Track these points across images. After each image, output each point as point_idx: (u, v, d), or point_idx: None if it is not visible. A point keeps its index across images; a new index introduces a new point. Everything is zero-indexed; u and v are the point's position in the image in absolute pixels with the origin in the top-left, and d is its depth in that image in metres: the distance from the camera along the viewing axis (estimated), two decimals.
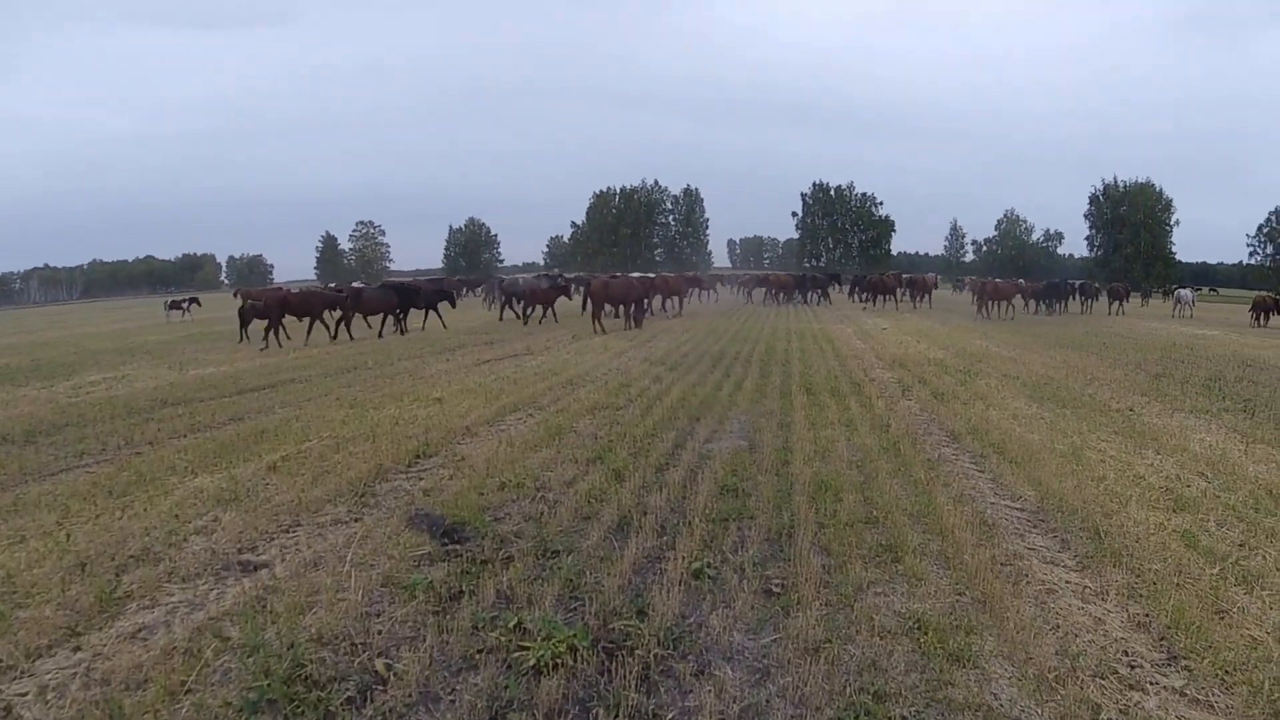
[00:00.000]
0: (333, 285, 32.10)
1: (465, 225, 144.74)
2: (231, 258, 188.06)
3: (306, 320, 22.97)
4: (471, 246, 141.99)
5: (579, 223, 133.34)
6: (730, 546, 5.69)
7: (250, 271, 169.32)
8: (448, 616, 4.52)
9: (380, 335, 23.08)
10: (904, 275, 51.96)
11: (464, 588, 4.87)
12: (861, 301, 47.43)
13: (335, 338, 22.62)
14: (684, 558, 5.32)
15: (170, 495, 6.90)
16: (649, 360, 16.09)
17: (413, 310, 26.50)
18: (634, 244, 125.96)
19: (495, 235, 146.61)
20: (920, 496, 6.97)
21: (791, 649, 4.24)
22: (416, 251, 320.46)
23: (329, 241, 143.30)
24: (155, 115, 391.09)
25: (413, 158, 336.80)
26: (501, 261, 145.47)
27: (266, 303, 22.53)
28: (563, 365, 15.24)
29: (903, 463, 8.14)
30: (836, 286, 56.91)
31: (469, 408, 10.71)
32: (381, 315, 24.79)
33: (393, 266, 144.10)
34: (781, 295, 48.53)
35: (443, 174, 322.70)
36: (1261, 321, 37.96)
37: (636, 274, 44.89)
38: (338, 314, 23.50)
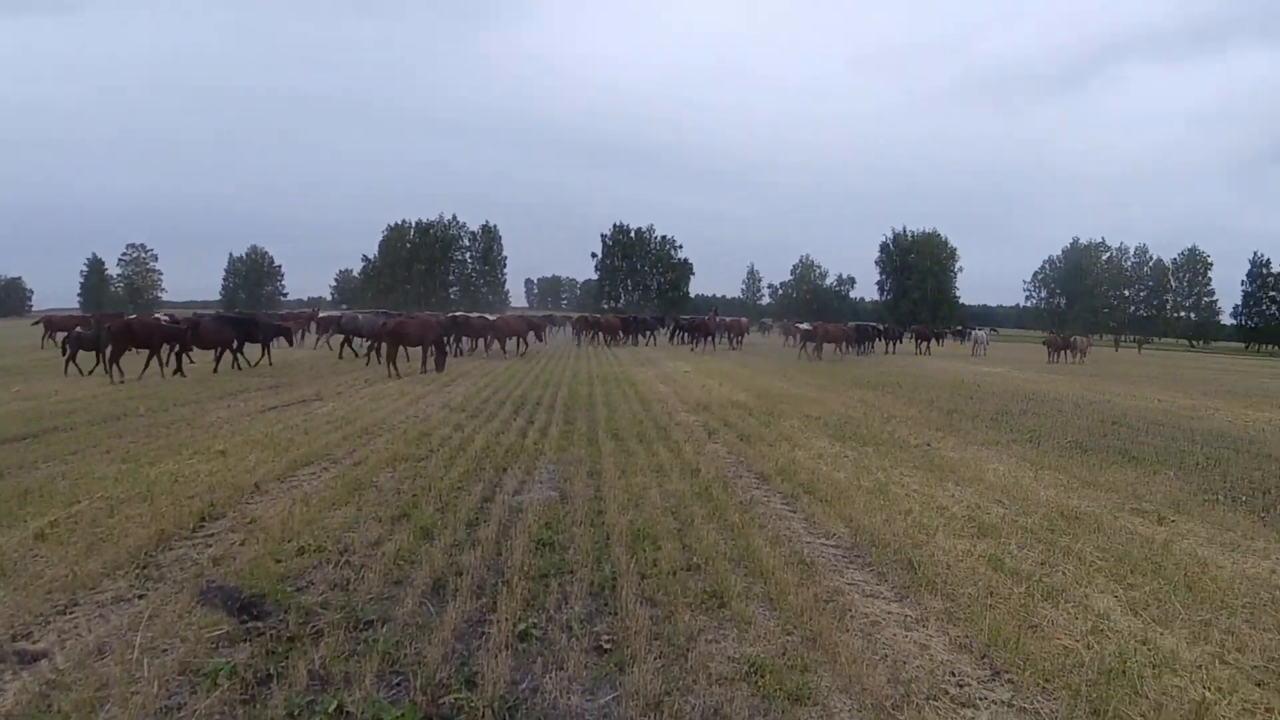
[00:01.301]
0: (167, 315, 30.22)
1: (247, 254, 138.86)
2: None
3: (145, 352, 21.84)
4: (253, 277, 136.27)
5: (370, 256, 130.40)
6: (554, 604, 5.69)
7: (7, 296, 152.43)
8: (258, 705, 4.25)
9: (166, 374, 21.46)
10: (722, 318, 54.43)
11: (272, 670, 4.60)
12: (691, 343, 48.94)
13: (178, 371, 21.70)
14: (507, 619, 5.28)
15: None
16: (448, 406, 15.86)
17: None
18: (429, 280, 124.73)
19: (279, 266, 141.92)
20: (738, 540, 7.24)
21: (632, 706, 4.31)
22: (191, 281, 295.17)
23: (95, 265, 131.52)
24: None
25: (191, 175, 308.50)
26: (285, 295, 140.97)
27: (111, 331, 20.99)
28: (356, 412, 14.73)
29: (716, 507, 8.41)
30: (662, 329, 58.65)
31: (256, 461, 10.15)
32: (217, 349, 23.85)
33: (165, 297, 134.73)
34: (611, 337, 49.29)
35: (223, 196, 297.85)
36: (1060, 357, 43.62)
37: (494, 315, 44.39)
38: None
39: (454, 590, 5.87)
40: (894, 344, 54.76)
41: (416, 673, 4.59)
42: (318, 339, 39.23)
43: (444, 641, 4.99)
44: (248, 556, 6.54)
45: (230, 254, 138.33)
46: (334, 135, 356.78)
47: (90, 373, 20.77)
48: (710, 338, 48.56)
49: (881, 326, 57.87)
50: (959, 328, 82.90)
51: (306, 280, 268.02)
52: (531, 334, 39.39)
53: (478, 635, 5.17)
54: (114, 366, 20.20)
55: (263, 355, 26.55)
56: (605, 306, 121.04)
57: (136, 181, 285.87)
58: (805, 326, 46.99)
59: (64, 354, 22.60)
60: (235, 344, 24.57)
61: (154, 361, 22.03)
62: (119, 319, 24.24)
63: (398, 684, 4.56)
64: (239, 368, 23.94)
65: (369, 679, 4.51)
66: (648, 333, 53.87)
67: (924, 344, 56.06)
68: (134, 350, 21.62)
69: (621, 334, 50.37)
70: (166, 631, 5.11)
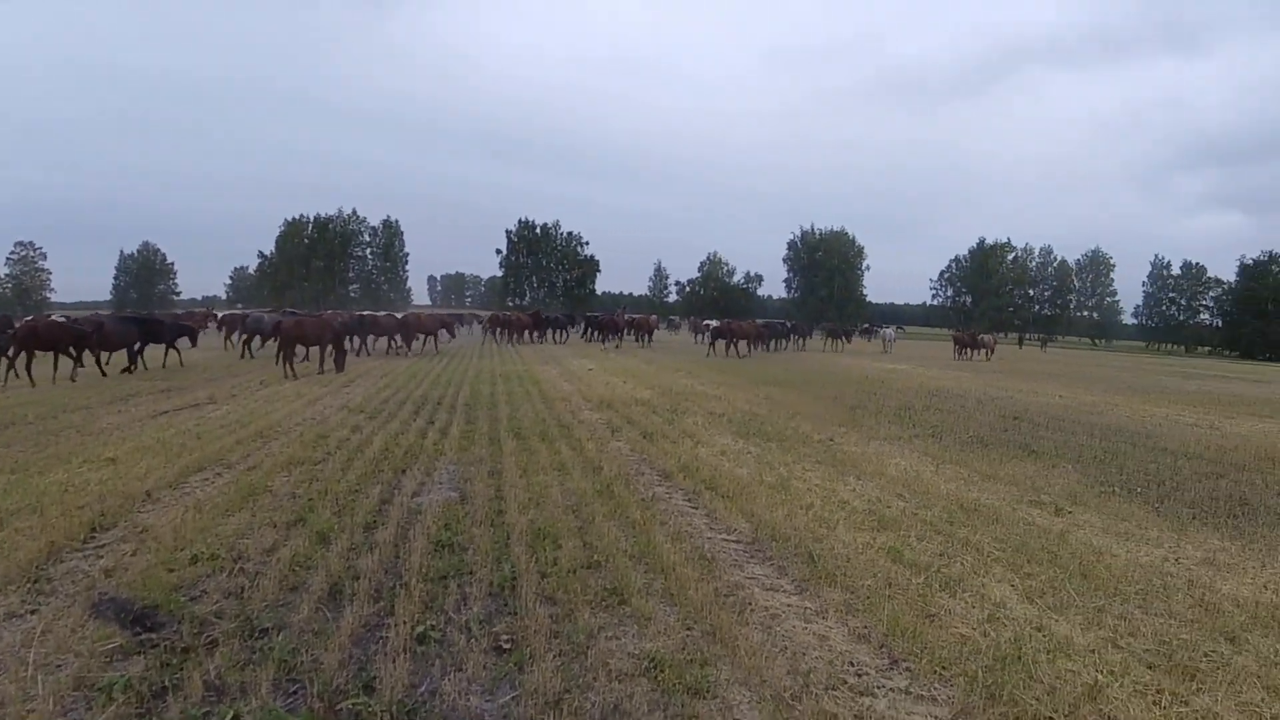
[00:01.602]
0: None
1: (138, 251, 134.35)
2: None
3: (52, 354, 21.10)
4: (144, 275, 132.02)
5: (267, 252, 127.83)
6: (452, 605, 5.68)
7: None
8: (155, 718, 4.19)
9: (43, 380, 20.66)
10: (630, 316, 55.24)
11: (167, 682, 4.51)
12: (600, 340, 49.83)
13: (74, 378, 20.78)
14: (405, 622, 5.26)
15: None
16: (347, 408, 15.63)
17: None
18: (327, 277, 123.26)
19: (172, 264, 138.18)
20: (639, 537, 7.31)
21: (531, 705, 4.34)
22: (80, 280, 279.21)
23: None
24: None
25: (76, 166, 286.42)
26: (178, 294, 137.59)
27: (15, 335, 20.56)
28: (251, 415, 14.39)
29: (618, 504, 8.49)
30: (574, 327, 59.10)
31: (148, 468, 9.81)
32: (125, 350, 23.40)
33: (54, 298, 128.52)
34: (520, 334, 49.67)
35: (111, 188, 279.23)
36: (967, 355, 46.45)
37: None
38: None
39: (351, 595, 5.81)
40: (803, 341, 57.29)
41: (313, 679, 4.55)
42: (226, 339, 38.55)
43: (341, 647, 4.95)
44: (140, 567, 6.38)
45: (121, 251, 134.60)
46: (229, 123, 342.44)
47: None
48: (619, 335, 49.45)
49: (790, 324, 59.38)
50: (865, 326, 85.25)
51: (201, 278, 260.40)
52: (443, 331, 39.74)
53: (375, 639, 5.14)
54: (12, 370, 19.74)
55: (166, 356, 26.06)
56: (510, 304, 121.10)
57: (13, 173, 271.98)
58: (713, 324, 48.53)
59: None
60: (139, 345, 23.98)
61: (58, 367, 21.31)
62: (27, 321, 23.77)
63: (295, 691, 4.50)
64: (131, 371, 23.16)
65: (265, 687, 4.46)
66: (560, 330, 54.48)
67: (835, 341, 57.76)
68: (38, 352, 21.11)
69: (535, 331, 50.90)
70: (60, 646, 4.97)
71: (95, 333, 22.31)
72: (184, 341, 27.16)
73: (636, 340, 50.86)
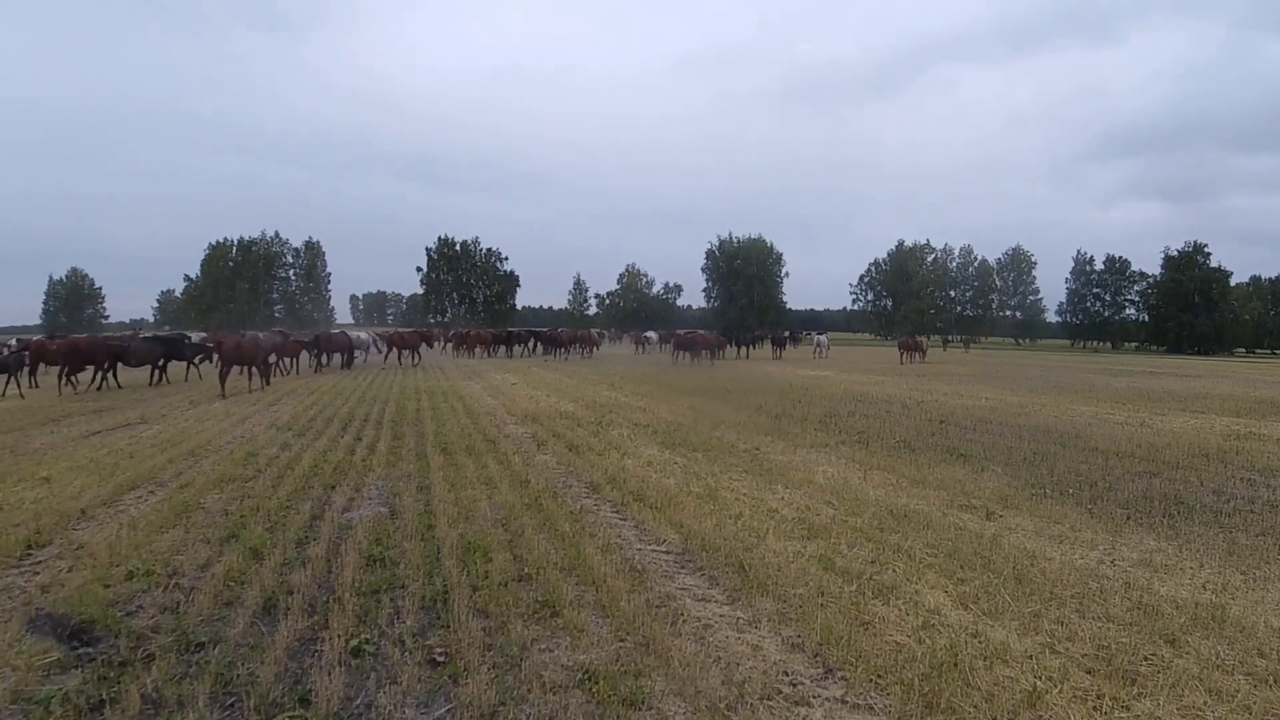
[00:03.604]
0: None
1: (67, 276, 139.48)
2: None
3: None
4: (74, 300, 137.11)
5: (193, 276, 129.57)
6: (386, 619, 5.76)
7: None
8: None
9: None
10: (568, 331, 59.95)
11: (104, 695, 4.57)
12: (551, 355, 53.03)
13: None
14: (340, 636, 5.33)
15: None
16: (275, 426, 15.67)
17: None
18: (252, 299, 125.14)
19: (100, 288, 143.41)
20: (569, 549, 7.41)
21: (467, 717, 4.42)
22: (7, 305, 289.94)
23: None
24: None
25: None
26: (107, 317, 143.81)
27: (59, 349, 23.68)
28: (182, 434, 14.41)
29: (546, 517, 8.59)
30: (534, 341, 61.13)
31: (82, 487, 9.88)
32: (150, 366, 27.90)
33: None
34: (488, 350, 53.77)
35: (38, 217, 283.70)
36: (913, 359, 50.05)
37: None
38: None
39: (285, 609, 5.90)
40: (748, 350, 60.96)
41: (250, 693, 4.62)
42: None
43: (277, 660, 5.03)
44: (76, 583, 6.47)
45: (50, 277, 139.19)
46: (150, 154, 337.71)
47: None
48: (565, 349, 52.99)
49: (734, 334, 65.19)
50: (786, 333, 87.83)
51: (128, 302, 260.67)
52: (423, 344, 44.13)
53: (310, 653, 5.22)
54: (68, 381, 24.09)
55: (187, 372, 30.50)
56: (431, 320, 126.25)
57: None
58: (651, 336, 55.39)
59: None
60: (162, 362, 28.51)
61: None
62: (71, 338, 29.06)
63: (231, 705, 4.57)
64: (155, 384, 27.00)
65: (202, 701, 4.53)
66: (523, 345, 58.14)
67: (778, 349, 60.78)
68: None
69: (502, 347, 56.03)
70: None
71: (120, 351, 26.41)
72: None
73: (582, 354, 54.55)
